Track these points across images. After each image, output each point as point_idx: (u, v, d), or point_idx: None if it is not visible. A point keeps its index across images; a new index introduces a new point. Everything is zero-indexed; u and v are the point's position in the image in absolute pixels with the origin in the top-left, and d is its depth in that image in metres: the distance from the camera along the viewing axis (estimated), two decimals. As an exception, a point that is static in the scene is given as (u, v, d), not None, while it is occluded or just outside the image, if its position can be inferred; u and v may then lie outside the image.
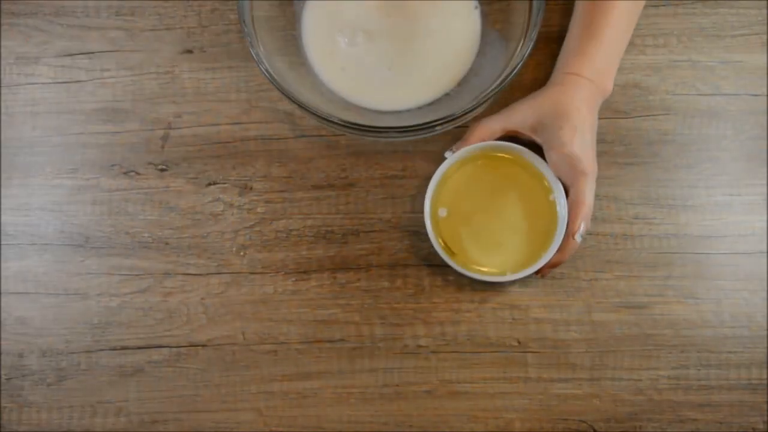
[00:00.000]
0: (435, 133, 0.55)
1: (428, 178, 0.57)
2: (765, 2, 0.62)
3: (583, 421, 0.59)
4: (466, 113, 0.53)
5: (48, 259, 0.61)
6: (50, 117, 0.62)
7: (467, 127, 0.58)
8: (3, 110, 0.63)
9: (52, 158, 0.62)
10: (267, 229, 0.61)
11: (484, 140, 0.57)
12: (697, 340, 0.59)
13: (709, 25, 0.62)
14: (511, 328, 0.59)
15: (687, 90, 0.62)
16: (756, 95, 0.61)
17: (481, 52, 0.60)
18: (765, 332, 0.59)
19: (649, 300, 0.59)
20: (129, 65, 0.63)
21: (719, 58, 0.62)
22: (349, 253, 0.61)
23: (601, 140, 0.60)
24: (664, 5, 0.62)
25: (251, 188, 0.61)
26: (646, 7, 0.62)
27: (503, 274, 0.57)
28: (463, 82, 0.60)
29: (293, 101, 0.52)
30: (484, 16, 0.61)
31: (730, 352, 0.59)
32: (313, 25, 0.61)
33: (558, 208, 0.56)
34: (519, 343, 0.59)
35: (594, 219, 0.60)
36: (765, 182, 0.60)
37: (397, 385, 0.59)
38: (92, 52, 0.63)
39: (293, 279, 0.60)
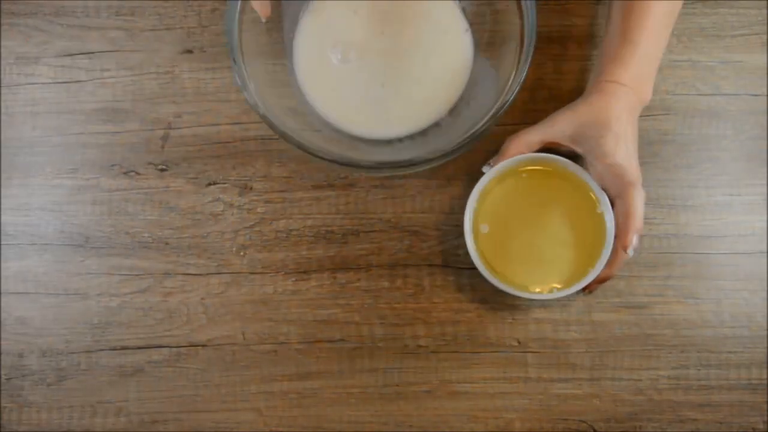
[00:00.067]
0: (428, 167, 0.55)
1: (428, 178, 0.57)
2: (765, 2, 0.62)
3: (583, 421, 0.59)
4: (459, 148, 0.52)
5: (48, 259, 0.61)
6: (50, 117, 0.62)
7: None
8: (3, 110, 0.63)
9: (52, 158, 0.62)
10: (267, 229, 0.61)
11: (522, 153, 0.55)
12: (697, 340, 0.59)
13: (709, 25, 0.62)
14: (511, 328, 0.59)
15: (687, 90, 0.62)
16: (756, 95, 0.61)
17: (472, 81, 0.60)
18: (765, 332, 0.59)
19: (649, 300, 0.59)
20: (129, 65, 0.63)
21: (719, 58, 0.62)
22: (349, 253, 0.61)
23: (601, 140, 0.60)
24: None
25: (251, 188, 0.61)
26: (646, 7, 0.62)
27: (549, 291, 0.55)
28: (454, 112, 0.59)
29: (285, 138, 0.52)
30: (476, 43, 0.60)
31: (730, 352, 0.59)
32: (305, 43, 0.60)
33: (605, 220, 0.54)
34: (519, 343, 0.59)
35: (594, 219, 0.60)
36: (765, 182, 0.60)
37: (397, 385, 0.59)
38: (92, 52, 0.63)
39: (293, 279, 0.60)
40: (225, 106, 0.62)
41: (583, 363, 0.59)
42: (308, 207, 0.61)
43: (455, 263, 0.60)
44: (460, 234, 0.60)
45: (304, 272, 0.60)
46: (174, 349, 0.60)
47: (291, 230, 0.61)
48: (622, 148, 0.52)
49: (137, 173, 0.62)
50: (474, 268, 0.59)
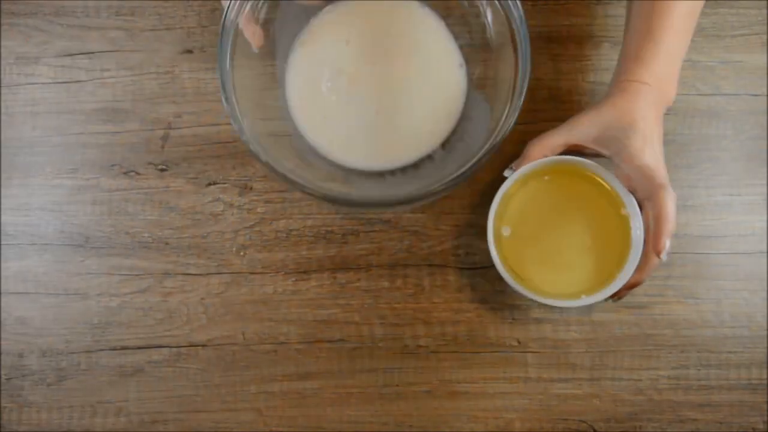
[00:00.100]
0: (420, 204, 0.55)
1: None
2: (765, 2, 0.62)
3: (583, 421, 0.59)
4: (451, 185, 0.51)
5: (48, 259, 0.61)
6: (50, 117, 0.62)
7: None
8: (3, 110, 0.63)
9: (52, 158, 0.62)
10: (267, 229, 0.61)
11: (545, 156, 0.53)
12: (697, 340, 0.59)
13: (709, 25, 0.62)
14: (511, 328, 0.59)
15: (687, 90, 0.62)
16: (756, 95, 0.61)
17: (465, 115, 0.59)
18: (765, 332, 0.59)
19: (649, 300, 0.59)
20: (129, 65, 0.63)
21: (719, 58, 0.62)
22: (349, 253, 0.61)
23: (601, 140, 0.60)
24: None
25: (251, 188, 0.61)
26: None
27: (576, 298, 0.53)
28: (447, 145, 0.59)
29: (279, 175, 0.52)
30: (470, 77, 0.60)
31: (730, 352, 0.59)
32: (297, 74, 0.60)
33: (632, 223, 0.53)
34: (519, 343, 0.59)
35: (594, 219, 0.60)
36: (765, 182, 0.60)
37: (397, 385, 0.59)
38: (92, 52, 0.63)
39: (293, 279, 0.60)
40: (224, 99, 0.62)
41: (583, 363, 0.59)
42: (308, 207, 0.61)
43: (455, 263, 0.60)
44: (460, 234, 0.60)
45: (304, 272, 0.60)
46: (174, 349, 0.60)
47: (291, 230, 0.61)
48: (648, 149, 0.51)
49: (137, 173, 0.62)
50: (474, 268, 0.59)
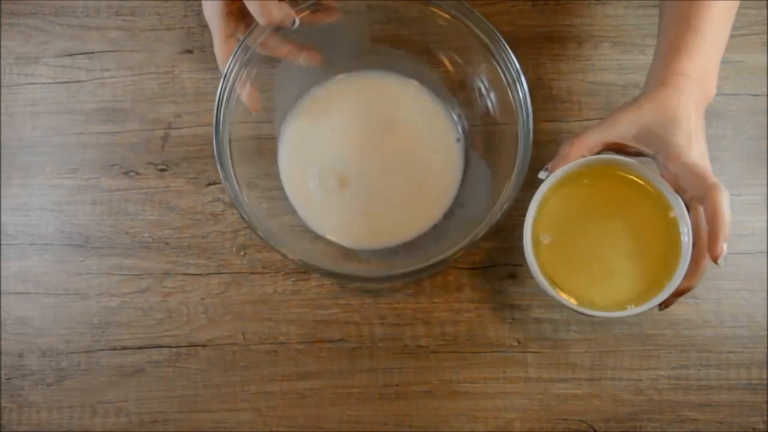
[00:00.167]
0: (423, 276, 0.55)
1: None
2: (765, 2, 0.62)
3: (583, 421, 0.59)
4: (454, 255, 0.51)
5: (48, 259, 0.61)
6: (50, 117, 0.62)
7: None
8: (3, 110, 0.63)
9: (52, 158, 0.62)
10: (267, 229, 0.61)
11: (583, 156, 0.50)
12: (697, 340, 0.59)
13: (709, 25, 0.62)
14: (511, 328, 0.59)
15: (687, 90, 0.61)
16: (756, 95, 0.61)
17: (466, 181, 0.59)
18: (765, 332, 0.59)
19: (649, 300, 0.59)
20: (129, 65, 0.63)
21: (719, 58, 0.62)
22: (349, 253, 0.61)
23: (601, 140, 0.60)
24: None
25: (254, 186, 0.61)
26: (645, 6, 0.62)
27: (622, 308, 0.49)
28: (447, 214, 0.59)
29: (278, 251, 0.52)
30: (468, 146, 0.60)
31: (730, 352, 0.59)
32: (286, 160, 0.60)
33: (680, 227, 0.49)
34: (519, 343, 0.59)
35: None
36: (765, 182, 0.60)
37: (397, 385, 0.59)
38: (92, 52, 0.63)
39: (293, 279, 0.60)
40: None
41: (583, 363, 0.59)
42: (308, 207, 0.61)
43: (455, 263, 0.60)
44: (460, 234, 0.60)
45: (304, 272, 0.60)
46: (174, 349, 0.60)
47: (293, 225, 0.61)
48: (695, 147, 0.48)
49: (137, 173, 0.62)
50: (474, 268, 0.59)
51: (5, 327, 0.60)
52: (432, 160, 0.59)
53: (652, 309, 0.49)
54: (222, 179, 0.52)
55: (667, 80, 0.49)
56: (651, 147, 0.49)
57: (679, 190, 0.48)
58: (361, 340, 0.60)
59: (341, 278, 0.54)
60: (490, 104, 0.57)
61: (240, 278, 0.60)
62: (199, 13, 0.63)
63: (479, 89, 0.58)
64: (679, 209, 0.48)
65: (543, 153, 0.58)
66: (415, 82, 0.60)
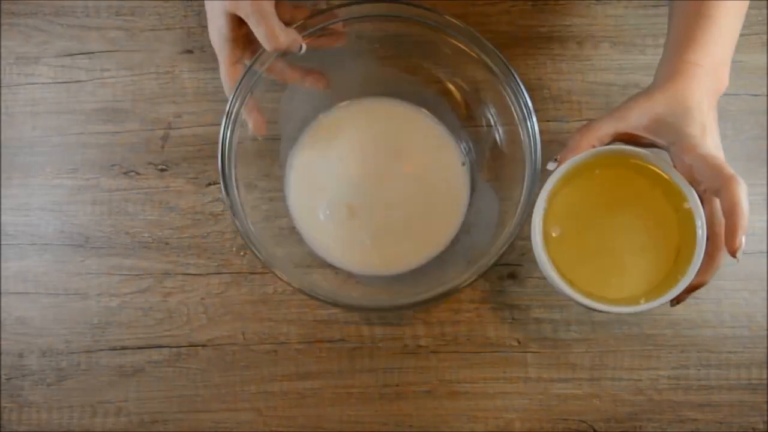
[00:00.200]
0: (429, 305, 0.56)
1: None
2: (765, 2, 0.62)
3: (583, 421, 0.59)
4: (462, 285, 0.52)
5: (48, 259, 0.61)
6: (50, 117, 0.62)
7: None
8: (3, 110, 0.63)
9: (52, 158, 0.62)
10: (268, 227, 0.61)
11: (593, 147, 0.48)
12: (697, 340, 0.59)
13: (709, 25, 0.62)
14: (511, 328, 0.59)
15: (687, 90, 0.61)
16: (756, 95, 0.61)
17: (472, 207, 0.59)
18: (765, 332, 0.59)
19: (649, 300, 0.59)
20: (129, 65, 0.63)
21: (719, 58, 0.62)
22: (349, 253, 0.61)
23: (601, 140, 0.60)
24: (664, 5, 0.62)
25: (254, 187, 0.61)
26: (645, 6, 0.62)
27: (635, 303, 0.47)
28: (455, 241, 0.59)
29: (294, 287, 0.52)
30: (474, 170, 0.60)
31: (730, 352, 0.59)
32: (295, 189, 0.60)
33: (695, 219, 0.46)
34: (519, 343, 0.59)
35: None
36: (765, 182, 0.60)
37: (397, 385, 0.59)
38: (92, 52, 0.63)
39: (293, 279, 0.60)
40: (225, 106, 0.62)
41: (583, 363, 0.59)
42: (308, 207, 0.61)
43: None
44: (460, 234, 0.60)
45: (308, 266, 0.60)
46: (174, 349, 0.60)
47: (291, 229, 0.61)
48: (709, 138, 0.46)
49: (137, 173, 0.62)
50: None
51: (5, 327, 0.60)
52: (439, 186, 0.59)
53: (659, 306, 0.47)
54: (231, 216, 0.53)
55: (679, 70, 0.48)
56: (664, 138, 0.47)
57: (693, 182, 0.47)
58: (361, 340, 0.60)
59: (347, 307, 0.55)
60: (498, 136, 0.58)
61: (240, 278, 0.60)
62: (200, 13, 0.63)
63: (488, 120, 0.58)
64: (693, 201, 0.47)
65: (544, 153, 0.58)
66: (423, 110, 0.60)
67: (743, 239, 0.44)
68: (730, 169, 0.45)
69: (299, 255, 0.59)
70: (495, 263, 0.51)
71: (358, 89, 0.60)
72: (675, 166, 0.47)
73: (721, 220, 0.46)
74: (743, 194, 0.44)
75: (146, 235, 0.61)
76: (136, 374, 0.60)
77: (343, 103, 0.60)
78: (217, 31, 0.53)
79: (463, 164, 0.60)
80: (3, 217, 0.61)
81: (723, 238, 0.46)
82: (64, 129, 0.62)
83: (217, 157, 0.53)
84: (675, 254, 0.48)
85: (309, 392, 0.59)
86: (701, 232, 0.46)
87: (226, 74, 0.54)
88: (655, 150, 0.48)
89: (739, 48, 0.61)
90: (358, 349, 0.60)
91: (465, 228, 0.59)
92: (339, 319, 0.60)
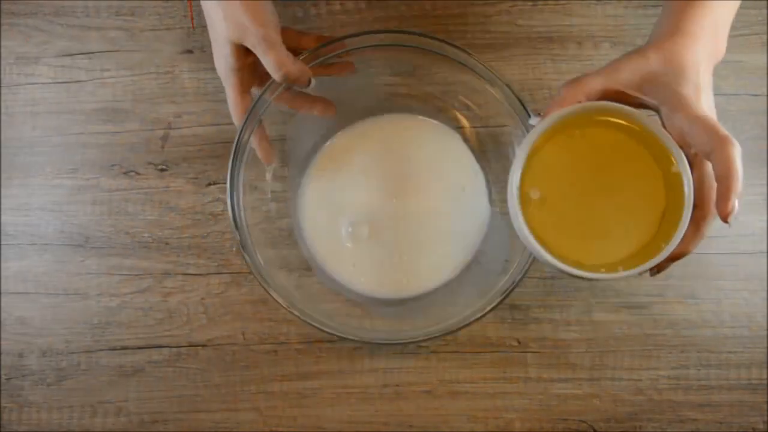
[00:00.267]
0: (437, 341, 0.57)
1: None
2: (765, 2, 0.62)
3: (583, 421, 0.59)
4: (475, 320, 0.53)
5: (48, 259, 0.61)
6: (50, 117, 0.62)
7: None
8: (3, 110, 0.63)
9: (52, 158, 0.62)
10: (268, 227, 0.61)
11: (579, 102, 0.44)
12: (697, 340, 0.59)
13: (709, 25, 0.62)
14: (511, 328, 0.59)
15: (687, 90, 0.61)
16: (756, 95, 0.61)
17: (486, 235, 0.59)
18: (765, 332, 0.59)
19: (649, 300, 0.59)
20: (129, 65, 0.63)
21: (719, 58, 0.62)
22: (349, 253, 0.61)
23: (601, 140, 0.60)
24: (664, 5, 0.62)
25: (254, 188, 0.61)
26: (645, 6, 0.62)
27: (613, 270, 0.44)
28: (466, 270, 0.59)
29: (303, 320, 0.53)
30: (491, 198, 0.59)
31: (730, 352, 0.59)
32: (312, 207, 0.59)
33: (684, 184, 0.43)
34: (519, 343, 0.59)
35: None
36: (765, 182, 0.60)
37: (397, 385, 0.59)
38: (92, 52, 0.63)
39: (295, 276, 0.60)
40: (225, 106, 0.62)
41: (583, 363, 0.59)
42: (308, 207, 0.61)
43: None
44: (460, 234, 0.60)
45: (306, 269, 0.60)
46: (174, 349, 0.60)
47: (291, 230, 0.61)
48: (703, 100, 0.44)
49: (137, 173, 0.62)
50: (474, 268, 0.59)
51: (5, 327, 0.60)
52: (459, 211, 0.59)
53: (638, 274, 0.44)
54: (246, 260, 0.54)
55: (676, 30, 0.45)
56: (655, 97, 0.44)
57: (683, 146, 0.44)
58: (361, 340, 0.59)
59: (357, 342, 0.56)
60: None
61: (240, 278, 0.60)
62: (200, 13, 0.63)
63: (502, 152, 0.59)
64: (682, 165, 0.44)
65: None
66: (440, 125, 0.60)
67: (736, 203, 0.41)
68: (724, 131, 0.42)
69: (296, 258, 0.59)
70: (503, 298, 0.52)
71: (369, 109, 0.60)
72: (665, 128, 0.44)
73: (710, 186, 0.44)
74: (738, 156, 0.41)
75: (146, 235, 0.61)
76: (136, 374, 0.60)
77: (356, 124, 0.60)
78: (224, 60, 0.52)
79: (485, 186, 0.59)
80: (3, 217, 0.61)
81: (711, 204, 0.43)
82: (64, 129, 0.62)
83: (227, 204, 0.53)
84: (659, 220, 0.45)
85: (309, 392, 0.59)
86: (689, 197, 0.43)
87: (234, 104, 0.54)
88: (645, 111, 0.46)
89: (739, 48, 0.62)
90: (358, 349, 0.60)
91: (476, 257, 0.59)
92: (339, 319, 0.60)
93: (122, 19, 0.63)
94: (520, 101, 0.53)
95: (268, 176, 0.59)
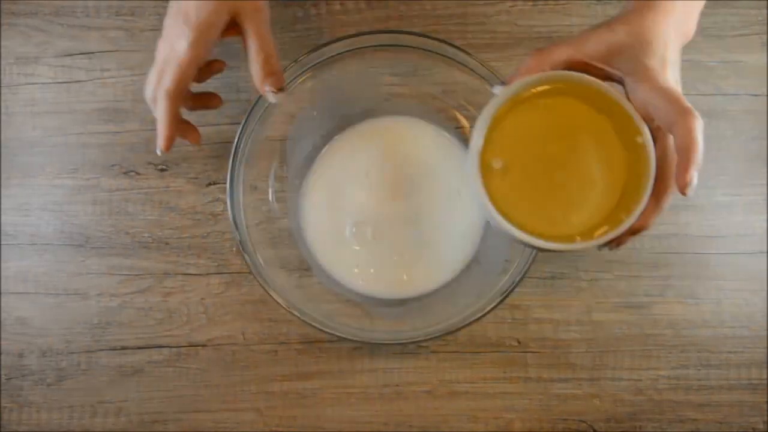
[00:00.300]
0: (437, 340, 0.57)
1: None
2: (765, 2, 0.62)
3: (583, 421, 0.59)
4: (474, 321, 0.53)
5: (48, 259, 0.61)
6: (50, 117, 0.62)
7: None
8: (3, 110, 0.63)
9: (52, 158, 0.62)
10: (268, 228, 0.61)
11: (544, 72, 0.44)
12: (697, 340, 0.59)
13: (709, 25, 0.62)
14: (511, 328, 0.59)
15: (687, 90, 0.60)
16: (756, 95, 0.61)
17: (485, 237, 0.59)
18: (765, 332, 0.59)
19: (649, 300, 0.59)
20: (129, 65, 0.63)
21: (719, 58, 0.62)
22: (349, 253, 0.61)
23: (601, 140, 0.61)
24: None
25: (255, 188, 0.61)
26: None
27: (571, 241, 0.44)
28: (466, 270, 0.59)
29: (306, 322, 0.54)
30: None
31: (730, 352, 0.59)
32: (314, 207, 0.59)
33: (646, 156, 0.43)
34: (519, 343, 0.59)
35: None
36: (765, 182, 0.60)
37: (397, 385, 0.59)
38: (92, 52, 0.63)
39: (296, 276, 0.60)
40: (225, 106, 0.62)
41: (583, 363, 0.59)
42: (308, 207, 0.61)
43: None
44: (460, 234, 0.60)
45: (306, 269, 0.60)
46: (174, 349, 0.60)
47: (291, 230, 0.61)
48: (669, 73, 0.43)
49: (137, 173, 0.62)
50: (474, 268, 0.59)
51: (5, 327, 0.60)
52: (459, 211, 0.59)
53: (595, 245, 0.44)
54: (245, 260, 0.54)
55: (646, 5, 0.44)
56: (621, 69, 0.44)
57: (646, 119, 0.43)
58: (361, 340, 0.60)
59: (356, 342, 0.56)
60: None
61: (240, 278, 0.60)
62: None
63: None
64: (645, 137, 0.43)
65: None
66: (439, 130, 0.60)
67: (695, 176, 0.41)
68: (687, 103, 0.42)
69: (296, 258, 0.59)
70: (503, 299, 0.53)
71: (369, 110, 0.60)
72: (629, 99, 0.44)
73: (672, 159, 0.43)
74: (700, 129, 0.41)
75: (146, 235, 0.61)
76: (136, 374, 0.60)
77: (355, 126, 0.60)
78: (174, 69, 0.49)
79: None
80: (3, 217, 0.61)
81: (672, 178, 0.43)
82: (64, 129, 0.62)
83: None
84: (621, 193, 0.45)
85: (309, 392, 0.59)
86: (651, 170, 0.43)
87: (170, 126, 0.51)
88: (610, 84, 0.45)
89: (739, 48, 0.62)
90: (358, 349, 0.60)
91: (476, 257, 0.59)
92: (339, 319, 0.60)
93: (122, 19, 0.63)
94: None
95: (270, 177, 0.59)
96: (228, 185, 0.54)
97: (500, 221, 0.44)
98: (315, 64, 0.54)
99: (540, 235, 0.44)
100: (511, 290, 0.53)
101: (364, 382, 0.59)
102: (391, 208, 0.59)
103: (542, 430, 0.59)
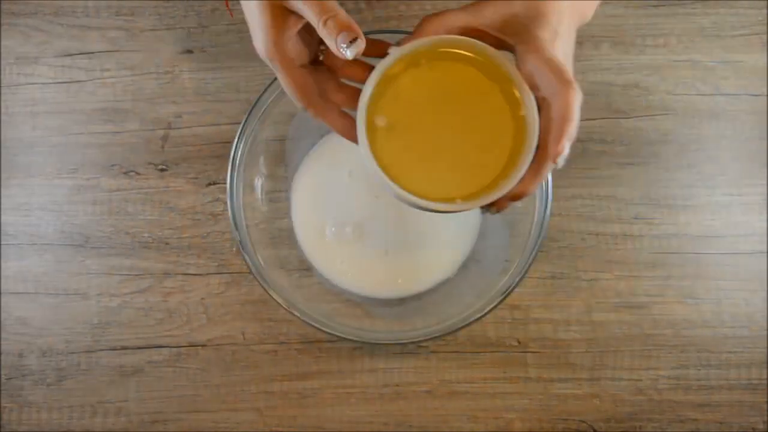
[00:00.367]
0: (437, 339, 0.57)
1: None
2: (765, 2, 0.62)
3: (583, 421, 0.59)
4: (473, 321, 0.53)
5: (48, 259, 0.61)
6: (50, 117, 0.62)
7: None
8: (3, 110, 0.63)
9: (52, 158, 0.62)
10: (268, 228, 0.61)
11: (438, 35, 0.45)
12: (697, 340, 0.59)
13: (709, 25, 0.62)
14: (511, 328, 0.59)
15: (687, 90, 0.62)
16: (756, 95, 0.61)
17: (481, 236, 0.59)
18: (765, 332, 0.59)
19: (649, 300, 0.59)
20: (129, 65, 0.63)
21: (719, 58, 0.62)
22: (349, 253, 0.61)
23: (601, 140, 0.60)
24: (664, 5, 0.62)
25: (253, 188, 0.61)
26: (645, 6, 0.62)
27: (451, 201, 0.44)
28: (462, 268, 0.59)
29: (305, 321, 0.54)
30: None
31: (730, 352, 0.59)
32: (302, 206, 0.60)
33: (529, 124, 0.44)
34: (519, 343, 0.59)
35: (594, 219, 0.60)
36: (765, 182, 0.60)
37: (397, 385, 0.59)
38: (92, 52, 0.63)
39: (296, 276, 0.60)
40: (225, 106, 0.62)
41: (583, 363, 0.59)
42: (308, 207, 0.61)
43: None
44: (460, 234, 0.60)
45: (306, 269, 0.60)
46: (174, 349, 0.60)
47: (291, 230, 0.61)
48: (560, 44, 0.44)
49: (137, 173, 0.62)
50: (474, 268, 0.59)
51: (5, 327, 0.60)
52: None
53: (475, 207, 0.44)
54: (245, 260, 0.54)
55: None
56: (513, 37, 0.45)
57: (533, 88, 0.44)
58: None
59: (356, 342, 0.56)
60: None
61: (240, 278, 0.60)
62: (200, 13, 0.63)
63: None
64: (530, 105, 0.44)
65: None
66: None
67: (567, 146, 0.42)
68: (570, 76, 0.42)
69: (295, 258, 0.59)
70: (503, 299, 0.53)
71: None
72: (518, 68, 0.44)
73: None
74: (577, 103, 0.42)
75: (146, 235, 0.61)
76: (136, 374, 0.60)
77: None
78: (262, 33, 0.44)
79: None
80: (3, 217, 0.61)
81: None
82: (64, 129, 0.62)
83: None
84: (506, 159, 0.45)
85: (309, 392, 0.59)
86: (532, 138, 0.44)
87: (287, 82, 0.46)
88: (503, 53, 0.45)
89: (739, 48, 0.62)
90: (357, 349, 0.60)
91: (475, 257, 0.59)
92: (339, 319, 0.60)
93: (122, 19, 0.63)
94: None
95: (261, 178, 0.59)
96: (228, 185, 0.54)
97: (380, 176, 0.44)
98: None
99: (420, 195, 0.44)
100: (511, 290, 0.53)
101: (364, 382, 0.59)
102: (373, 208, 0.59)
103: (542, 430, 0.59)
